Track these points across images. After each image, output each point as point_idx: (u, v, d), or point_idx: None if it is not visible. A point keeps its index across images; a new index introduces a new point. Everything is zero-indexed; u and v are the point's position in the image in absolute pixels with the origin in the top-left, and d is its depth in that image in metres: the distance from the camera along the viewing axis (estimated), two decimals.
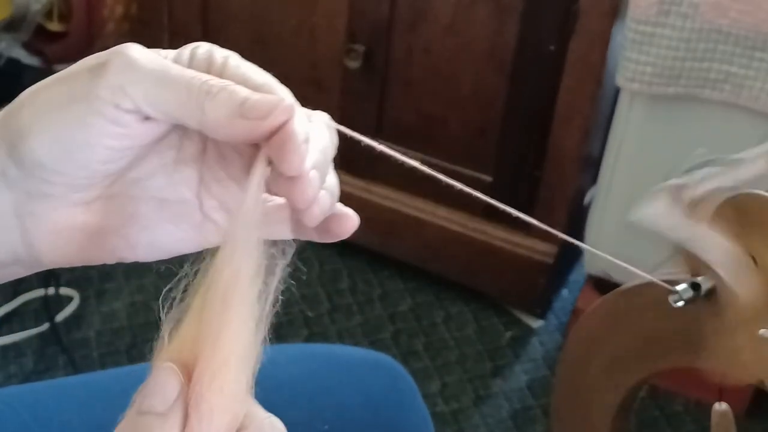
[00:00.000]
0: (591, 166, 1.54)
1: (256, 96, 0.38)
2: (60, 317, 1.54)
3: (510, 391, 1.52)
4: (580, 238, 1.50)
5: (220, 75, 0.40)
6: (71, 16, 1.78)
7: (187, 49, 0.41)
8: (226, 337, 0.35)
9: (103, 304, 1.60)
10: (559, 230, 0.44)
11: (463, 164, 1.51)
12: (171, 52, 0.40)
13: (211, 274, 0.36)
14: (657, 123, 1.35)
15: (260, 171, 0.38)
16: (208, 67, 0.40)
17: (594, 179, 1.54)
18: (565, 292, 1.70)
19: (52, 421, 0.67)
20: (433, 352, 1.57)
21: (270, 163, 0.39)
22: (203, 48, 0.41)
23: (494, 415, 1.48)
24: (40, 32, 1.83)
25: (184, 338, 0.35)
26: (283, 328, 1.53)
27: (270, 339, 0.38)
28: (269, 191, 0.40)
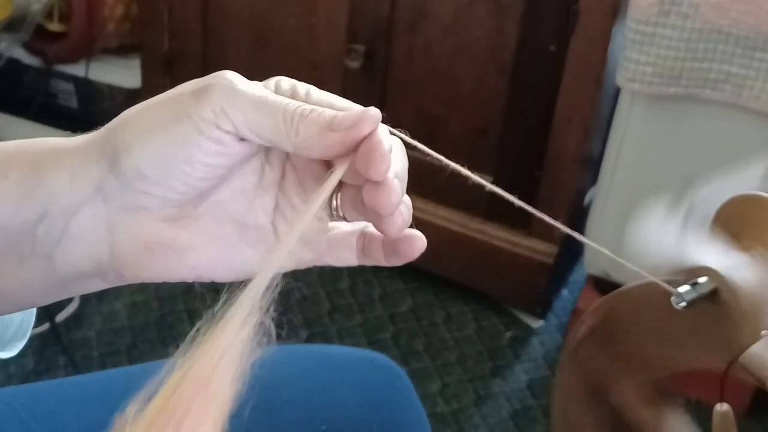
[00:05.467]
0: (591, 166, 1.54)
1: (343, 112, 0.41)
2: (60, 317, 1.54)
3: (510, 391, 1.52)
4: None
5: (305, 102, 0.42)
6: (71, 16, 1.78)
7: (271, 82, 0.43)
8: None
9: (104, 304, 1.60)
10: (559, 231, 0.44)
11: (463, 164, 1.51)
12: (257, 83, 0.43)
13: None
14: (657, 123, 1.35)
15: (331, 185, 0.41)
16: (293, 98, 0.42)
17: (594, 179, 1.54)
18: (565, 292, 1.70)
19: (51, 421, 0.67)
20: (433, 352, 1.57)
21: (344, 189, 0.43)
22: (286, 81, 0.43)
23: (494, 416, 1.48)
24: (40, 32, 1.83)
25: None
26: (283, 328, 1.53)
27: (270, 339, 0.39)
28: (348, 217, 0.44)
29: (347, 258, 0.46)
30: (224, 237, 0.45)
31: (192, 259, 0.44)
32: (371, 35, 1.51)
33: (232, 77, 0.41)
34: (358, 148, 0.40)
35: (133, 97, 1.83)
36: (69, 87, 1.91)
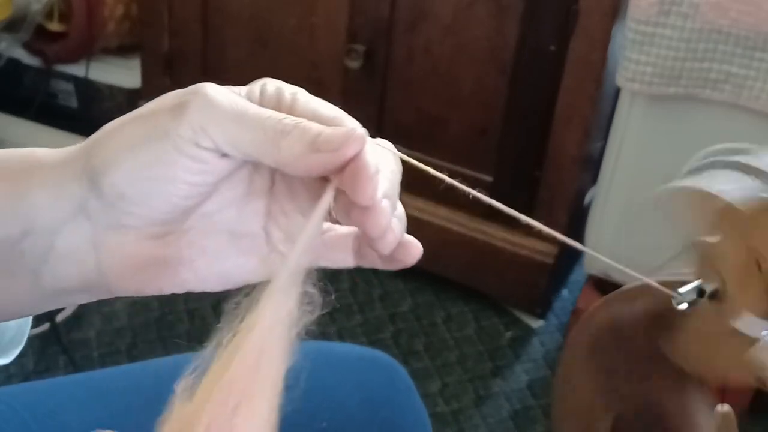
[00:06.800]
0: (591, 166, 1.54)
1: (328, 130, 0.39)
2: (60, 317, 1.54)
3: (510, 391, 1.52)
4: (581, 239, 1.50)
5: (290, 111, 0.40)
6: (71, 16, 1.78)
7: (256, 86, 0.41)
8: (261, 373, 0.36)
9: (104, 304, 1.60)
10: (559, 231, 0.44)
11: (464, 164, 1.51)
12: (242, 89, 0.41)
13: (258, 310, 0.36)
14: (657, 123, 1.35)
15: (326, 203, 0.39)
16: (278, 104, 0.41)
17: (594, 179, 1.54)
18: (565, 292, 1.70)
19: (51, 421, 0.67)
20: (433, 352, 1.57)
21: (338, 195, 0.40)
22: (272, 85, 0.41)
23: (494, 416, 1.48)
24: (40, 32, 1.83)
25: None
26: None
27: (315, 307, 0.39)
28: (342, 222, 0.42)
29: (343, 260, 0.45)
30: (214, 248, 0.44)
31: (182, 273, 0.43)
32: (371, 35, 1.51)
33: (210, 90, 0.39)
34: (344, 168, 0.39)
35: (133, 97, 1.83)
36: (69, 87, 1.91)
